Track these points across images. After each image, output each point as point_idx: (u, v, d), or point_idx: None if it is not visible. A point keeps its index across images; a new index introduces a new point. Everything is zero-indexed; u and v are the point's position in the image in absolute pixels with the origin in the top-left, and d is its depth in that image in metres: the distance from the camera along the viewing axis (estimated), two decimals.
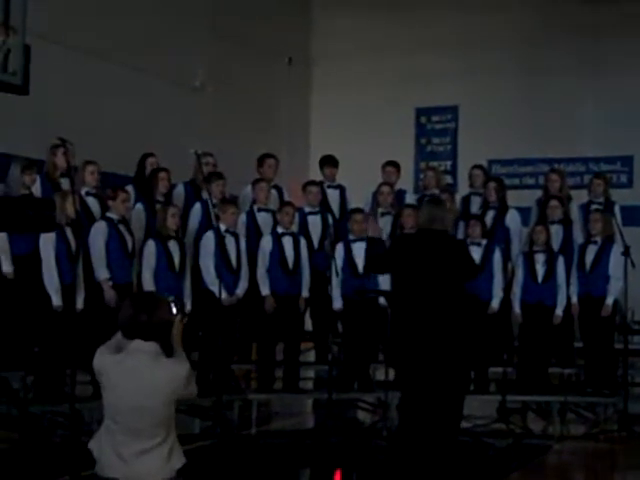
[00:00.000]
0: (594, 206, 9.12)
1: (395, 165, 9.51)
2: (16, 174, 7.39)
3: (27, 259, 7.29)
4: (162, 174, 8.44)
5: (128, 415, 3.77)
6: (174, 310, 3.99)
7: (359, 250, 8.47)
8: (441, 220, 6.35)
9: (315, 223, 8.95)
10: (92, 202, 8.00)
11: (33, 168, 7.49)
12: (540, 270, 8.59)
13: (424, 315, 6.01)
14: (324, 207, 9.21)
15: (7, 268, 7.30)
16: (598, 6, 12.22)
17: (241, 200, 9.14)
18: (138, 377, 3.77)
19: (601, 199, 9.22)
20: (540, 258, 8.61)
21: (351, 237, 8.60)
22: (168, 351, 3.89)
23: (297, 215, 8.82)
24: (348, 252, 8.52)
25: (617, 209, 9.08)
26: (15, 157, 7.72)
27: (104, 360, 3.87)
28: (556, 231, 8.95)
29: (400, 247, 6.58)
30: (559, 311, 8.54)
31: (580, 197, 9.51)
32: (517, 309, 8.61)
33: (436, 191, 9.30)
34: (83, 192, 7.92)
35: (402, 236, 8.15)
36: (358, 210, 8.80)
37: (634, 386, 9.21)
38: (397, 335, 6.14)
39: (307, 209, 9.00)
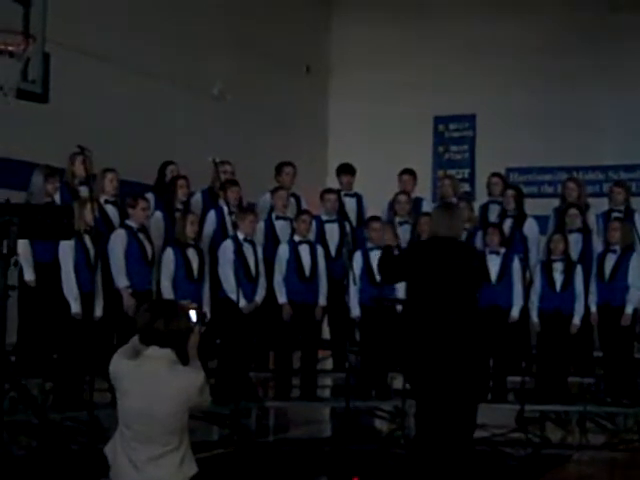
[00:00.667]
0: (614, 214, 9.07)
1: (411, 173, 9.50)
2: (39, 182, 7.44)
3: (49, 267, 7.32)
4: (181, 182, 8.47)
5: (141, 421, 3.78)
6: (194, 318, 3.99)
7: (376, 258, 8.45)
8: (447, 226, 6.17)
9: (332, 231, 8.96)
10: (111, 210, 8.03)
11: (56, 176, 7.54)
12: (558, 279, 8.56)
13: (435, 323, 5.95)
14: (341, 215, 9.21)
15: (29, 276, 7.34)
16: (617, 13, 12.17)
17: (259, 208, 9.16)
18: (152, 384, 3.78)
19: (621, 207, 9.18)
20: (558, 267, 8.57)
21: (369, 245, 8.59)
22: (184, 359, 3.89)
23: (314, 223, 8.83)
24: (366, 260, 8.51)
25: (637, 218, 9.02)
26: (37, 165, 7.77)
27: (120, 365, 3.89)
28: (575, 240, 8.91)
29: (411, 255, 6.53)
30: (577, 320, 8.50)
31: (599, 205, 9.46)
32: (535, 318, 8.57)
33: (454, 199, 9.27)
34: (102, 200, 7.96)
35: (413, 244, 8.12)
36: (376, 218, 8.79)
37: None
38: (410, 344, 6.09)
39: (324, 217, 9.01)
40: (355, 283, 8.21)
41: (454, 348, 5.86)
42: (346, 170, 9.47)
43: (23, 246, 7.22)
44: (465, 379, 5.88)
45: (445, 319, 5.91)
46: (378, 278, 8.34)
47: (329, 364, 9.41)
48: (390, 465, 7.23)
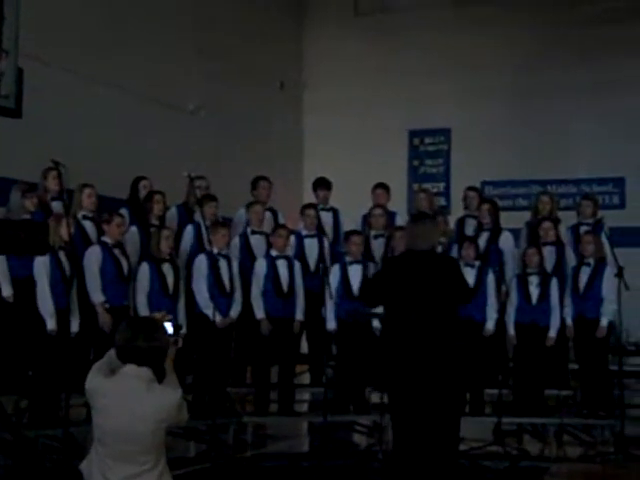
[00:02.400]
0: (583, 227, 9.14)
1: (385, 187, 9.52)
2: (17, 198, 7.40)
3: (24, 282, 7.27)
4: (157, 197, 8.45)
5: (117, 440, 3.74)
6: (170, 330, 3.97)
7: (355, 272, 8.46)
8: (424, 238, 6.08)
9: (312, 246, 8.94)
10: (89, 226, 7.98)
11: (34, 192, 7.50)
12: (534, 292, 8.59)
13: (414, 338, 5.91)
14: (318, 230, 9.21)
15: (7, 292, 7.30)
16: (594, 29, 12.30)
17: (235, 222, 9.15)
18: (129, 402, 3.74)
19: (590, 220, 9.25)
20: (534, 280, 8.61)
21: (348, 259, 8.58)
22: (160, 376, 3.86)
23: (293, 238, 8.82)
24: (344, 274, 8.50)
25: (605, 230, 9.07)
26: (10, 180, 7.71)
27: (96, 382, 3.85)
28: (549, 253, 8.96)
29: (387, 270, 6.47)
30: (553, 333, 8.54)
31: (572, 219, 9.52)
32: (511, 331, 8.60)
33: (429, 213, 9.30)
34: (80, 215, 7.91)
35: (389, 259, 8.10)
36: (356, 232, 8.80)
37: (630, 408, 9.18)
38: (389, 358, 6.05)
39: (304, 232, 9.00)
40: (331, 297, 8.20)
41: (434, 362, 5.84)
42: (322, 184, 9.49)
43: (0, 261, 7.18)
44: (445, 392, 5.86)
45: (425, 332, 5.88)
46: (356, 292, 8.37)
47: (307, 378, 9.39)
48: None
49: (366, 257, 8.77)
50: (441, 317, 5.94)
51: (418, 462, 5.80)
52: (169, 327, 3.99)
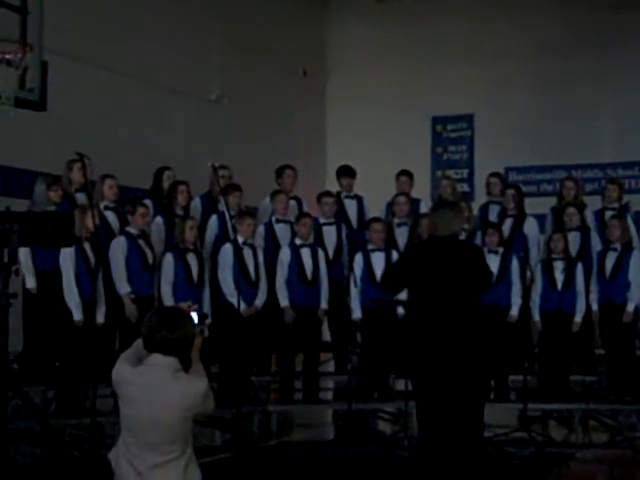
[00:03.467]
0: (609, 212, 9.08)
1: (409, 174, 9.50)
2: (42, 191, 7.47)
3: (51, 274, 7.33)
4: (182, 187, 8.48)
5: (144, 429, 3.76)
6: (195, 320, 3.99)
7: (378, 260, 8.45)
8: (444, 225, 6.09)
9: (330, 234, 8.94)
10: (111, 216, 8.04)
11: (58, 184, 7.56)
12: (559, 278, 8.56)
13: (438, 324, 5.91)
14: (341, 218, 9.21)
15: (30, 284, 7.37)
16: (615, 13, 12.18)
17: (260, 212, 9.16)
18: (156, 392, 3.76)
19: (615, 205, 9.18)
20: (559, 266, 8.58)
21: (370, 247, 8.58)
22: (187, 366, 3.88)
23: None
24: (367, 262, 8.50)
25: (631, 214, 9.01)
26: (35, 173, 7.78)
27: (123, 372, 3.88)
28: (574, 238, 8.91)
29: (410, 257, 6.47)
30: (578, 318, 8.51)
31: (597, 203, 9.46)
32: (536, 317, 8.58)
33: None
34: (102, 206, 7.96)
35: (412, 245, 8.10)
36: (377, 219, 8.79)
37: None
38: (413, 345, 6.05)
39: (322, 220, 9.00)
40: (356, 285, 8.20)
41: (458, 348, 5.83)
42: (346, 172, 9.47)
43: (24, 254, 7.25)
44: (469, 379, 5.85)
45: (448, 319, 5.87)
46: (379, 279, 8.38)
47: (331, 367, 9.41)
48: (394, 467, 7.23)
49: (390, 244, 8.77)
50: (464, 304, 5.93)
51: (443, 449, 5.80)
52: (194, 317, 4.01)
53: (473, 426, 5.85)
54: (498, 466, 7.26)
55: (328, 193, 9.21)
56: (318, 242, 8.79)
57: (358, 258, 8.56)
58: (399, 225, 9.15)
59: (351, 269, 8.47)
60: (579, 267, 8.59)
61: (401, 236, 9.07)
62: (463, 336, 5.89)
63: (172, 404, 3.76)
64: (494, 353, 8.42)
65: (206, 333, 4.16)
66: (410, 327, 6.11)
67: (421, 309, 6.00)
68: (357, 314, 8.46)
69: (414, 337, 6.00)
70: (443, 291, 5.93)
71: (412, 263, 6.16)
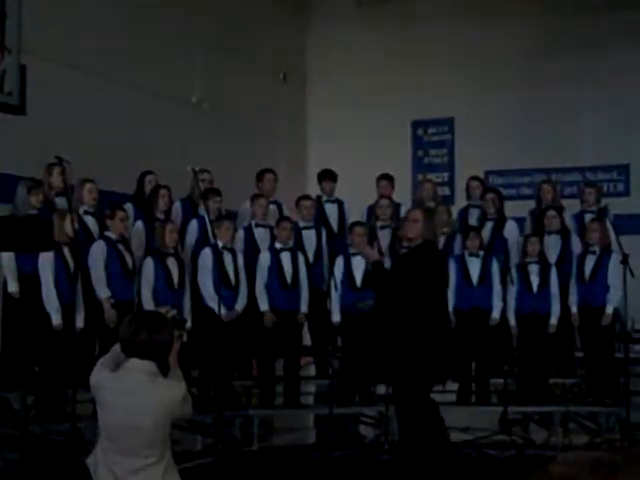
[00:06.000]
0: (588, 215, 9.13)
1: (389, 178, 9.50)
2: (23, 195, 7.42)
3: (31, 278, 7.29)
4: (163, 191, 8.45)
5: (122, 434, 3.75)
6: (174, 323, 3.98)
7: (358, 264, 8.46)
8: (431, 231, 6.32)
9: (310, 238, 8.94)
10: (90, 221, 7.99)
11: (40, 189, 7.52)
12: (534, 280, 8.60)
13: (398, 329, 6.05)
14: (322, 221, 9.21)
15: (12, 288, 7.33)
16: (595, 18, 12.26)
17: (240, 216, 9.15)
18: (133, 396, 3.75)
19: (594, 208, 9.23)
20: (534, 269, 8.62)
21: (351, 250, 8.58)
22: (165, 370, 3.88)
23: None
24: (347, 266, 8.51)
25: (610, 217, 9.06)
26: (15, 177, 7.73)
27: (101, 377, 3.87)
28: (554, 241, 8.96)
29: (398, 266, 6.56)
30: (554, 320, 8.55)
31: (579, 206, 9.52)
32: (512, 321, 8.61)
33: (432, 203, 9.31)
34: (81, 211, 7.93)
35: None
36: (359, 223, 8.79)
37: (636, 395, 9.16)
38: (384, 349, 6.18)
39: (301, 224, 8.99)
40: (336, 289, 8.20)
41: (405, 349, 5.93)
42: (328, 176, 9.47)
43: (7, 258, 7.22)
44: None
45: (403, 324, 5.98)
46: (359, 284, 8.39)
47: (312, 371, 9.41)
48: (375, 471, 7.23)
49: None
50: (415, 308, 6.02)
51: (417, 451, 5.86)
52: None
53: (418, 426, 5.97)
54: (479, 469, 7.29)
55: (306, 196, 9.20)
56: (298, 246, 8.79)
57: (339, 262, 8.56)
58: (382, 228, 9.16)
59: (331, 273, 8.46)
60: (553, 270, 8.64)
61: (384, 239, 9.08)
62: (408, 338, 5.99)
63: (150, 409, 3.75)
64: (474, 356, 8.48)
65: (185, 338, 4.15)
66: (383, 332, 6.19)
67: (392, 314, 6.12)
68: (337, 318, 8.46)
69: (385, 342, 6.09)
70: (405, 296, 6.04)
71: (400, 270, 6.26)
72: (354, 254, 8.52)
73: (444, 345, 6.19)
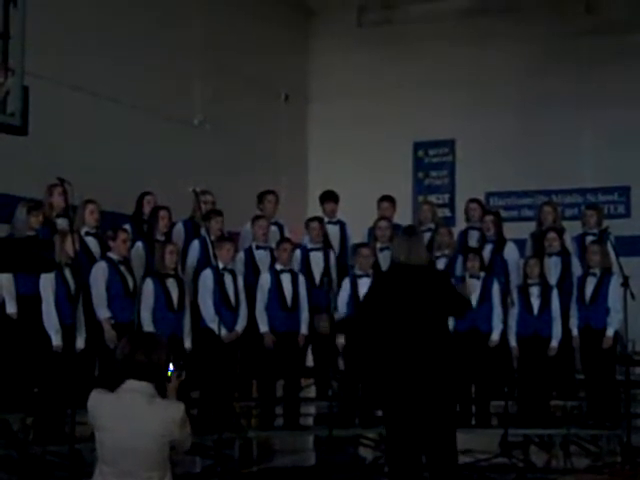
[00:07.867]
0: (589, 237, 9.13)
1: (390, 200, 9.51)
2: (22, 215, 7.42)
3: (31, 299, 7.29)
4: (163, 212, 8.46)
5: (121, 457, 3.74)
6: (172, 368, 3.97)
7: (364, 285, 8.40)
8: (406, 252, 5.93)
9: (317, 259, 8.94)
10: (92, 242, 8.00)
11: (39, 210, 7.52)
12: (535, 303, 8.59)
13: (405, 353, 5.81)
14: (325, 243, 9.20)
15: (11, 309, 7.33)
16: (595, 38, 12.32)
17: (242, 237, 9.16)
18: (131, 418, 3.74)
19: (595, 230, 9.23)
20: (535, 291, 8.61)
21: (357, 272, 8.55)
22: (163, 392, 3.87)
23: (299, 251, 8.82)
24: (354, 287, 8.47)
25: (611, 239, 9.05)
26: (16, 198, 7.74)
27: (98, 400, 3.86)
28: (555, 263, 8.95)
29: (379, 285, 6.36)
30: (554, 343, 8.53)
31: (580, 228, 9.52)
32: (513, 342, 8.59)
33: (432, 225, 9.32)
34: (83, 232, 7.93)
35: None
36: (364, 245, 8.78)
37: (637, 418, 9.16)
38: (381, 374, 5.95)
39: (309, 245, 9.00)
40: (336, 310, 8.18)
41: (425, 375, 5.74)
42: (330, 197, 9.48)
43: (6, 279, 7.21)
44: (438, 405, 5.77)
45: (416, 347, 5.77)
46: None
47: (312, 392, 9.38)
48: None
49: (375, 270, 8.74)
50: (432, 331, 5.84)
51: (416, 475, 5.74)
52: (171, 366, 3.98)
53: (447, 454, 5.79)
54: None
55: (315, 218, 9.19)
56: (305, 268, 8.78)
57: (345, 283, 8.53)
58: (381, 250, 9.15)
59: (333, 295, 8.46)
60: (554, 292, 8.63)
61: (384, 261, 9.07)
62: (431, 362, 5.78)
63: (147, 430, 3.74)
64: (475, 378, 8.44)
65: (183, 376, 4.11)
66: (377, 356, 6.01)
67: (389, 338, 5.89)
68: (340, 340, 8.44)
69: (382, 366, 5.92)
70: (406, 317, 5.82)
71: (378, 292, 6.07)
72: (360, 276, 8.48)
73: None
